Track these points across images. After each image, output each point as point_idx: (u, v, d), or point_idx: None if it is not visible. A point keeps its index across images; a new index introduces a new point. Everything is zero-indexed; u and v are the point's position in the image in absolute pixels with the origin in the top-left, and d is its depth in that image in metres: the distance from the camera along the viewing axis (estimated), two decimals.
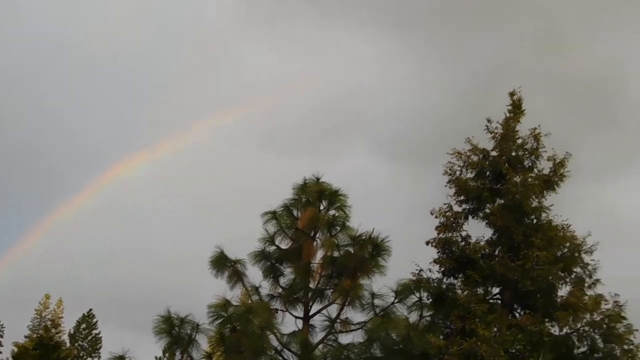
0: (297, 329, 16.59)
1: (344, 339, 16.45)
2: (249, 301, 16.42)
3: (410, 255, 17.95)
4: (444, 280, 17.70)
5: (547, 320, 16.70)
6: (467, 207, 18.27)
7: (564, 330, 16.60)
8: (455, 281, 17.61)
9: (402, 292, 16.59)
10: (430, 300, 17.04)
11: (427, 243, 17.96)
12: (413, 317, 16.52)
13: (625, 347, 16.20)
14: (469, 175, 18.44)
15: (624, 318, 16.39)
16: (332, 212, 17.20)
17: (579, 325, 16.50)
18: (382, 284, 16.50)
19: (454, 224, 18.05)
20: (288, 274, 17.10)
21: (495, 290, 17.45)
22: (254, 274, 16.99)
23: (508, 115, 18.74)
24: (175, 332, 15.70)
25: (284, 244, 17.21)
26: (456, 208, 18.27)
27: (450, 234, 17.96)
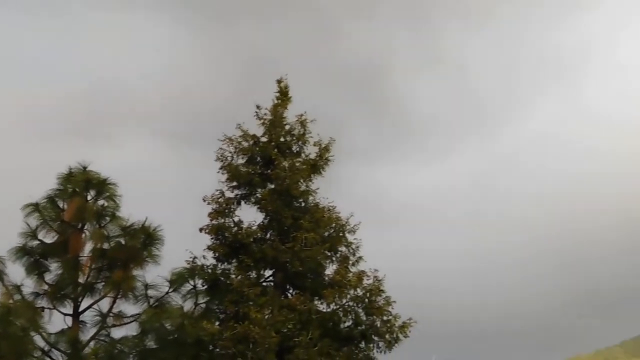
0: (66, 327, 15.92)
1: (117, 333, 16.12)
2: (10, 301, 15.43)
3: (186, 243, 17.92)
4: (219, 266, 17.88)
5: (316, 298, 17.55)
6: (239, 192, 18.55)
7: (331, 307, 17.57)
8: (230, 266, 17.89)
9: (177, 280, 16.62)
10: (205, 287, 17.19)
11: (201, 230, 18.03)
12: (188, 305, 16.66)
13: (385, 318, 17.50)
14: (240, 161, 18.73)
15: (383, 291, 17.69)
16: (101, 202, 16.69)
17: (344, 301, 17.51)
18: (156, 274, 16.40)
19: (227, 210, 18.28)
20: (54, 269, 16.34)
21: (268, 273, 17.98)
22: (15, 271, 16.00)
23: (276, 102, 19.29)
24: None
25: (49, 238, 16.40)
26: (228, 194, 18.48)
27: (223, 220, 18.14)
